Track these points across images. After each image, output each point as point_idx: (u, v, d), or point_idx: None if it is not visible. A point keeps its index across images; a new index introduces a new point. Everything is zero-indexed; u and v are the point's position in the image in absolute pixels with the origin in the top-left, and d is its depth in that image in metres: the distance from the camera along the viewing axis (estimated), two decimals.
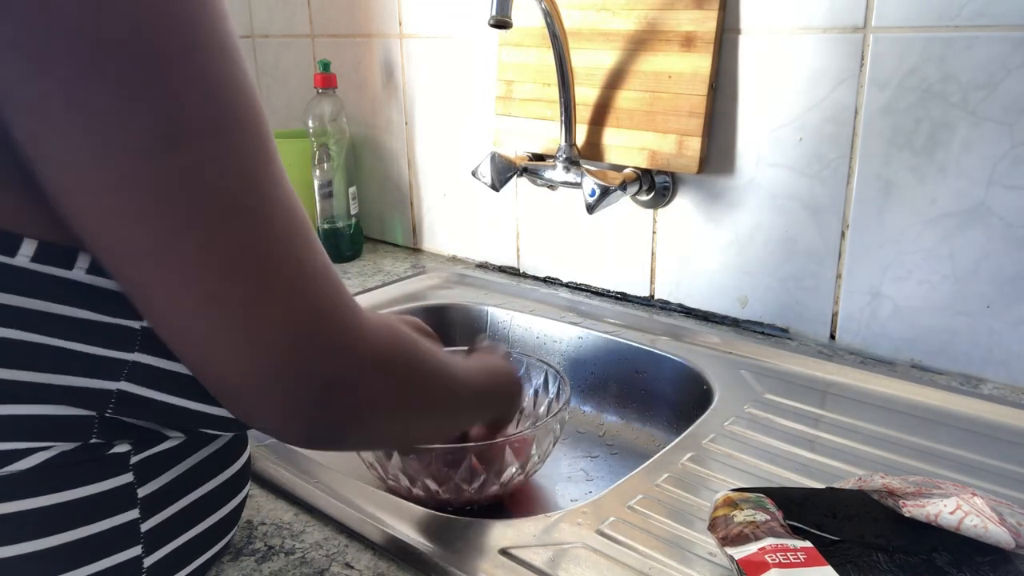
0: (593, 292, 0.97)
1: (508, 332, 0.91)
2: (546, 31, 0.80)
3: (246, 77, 0.35)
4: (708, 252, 0.85)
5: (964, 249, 0.69)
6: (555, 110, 0.86)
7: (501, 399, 0.61)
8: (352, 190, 1.14)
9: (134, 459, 0.39)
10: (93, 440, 0.38)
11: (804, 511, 0.47)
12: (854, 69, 0.71)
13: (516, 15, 0.72)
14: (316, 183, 1.11)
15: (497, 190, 0.90)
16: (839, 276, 0.77)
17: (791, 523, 0.46)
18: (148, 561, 0.40)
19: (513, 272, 1.06)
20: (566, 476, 0.73)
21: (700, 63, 0.78)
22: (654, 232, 0.89)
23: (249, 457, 0.49)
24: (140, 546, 0.40)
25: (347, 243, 1.14)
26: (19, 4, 0.29)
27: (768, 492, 0.48)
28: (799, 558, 0.41)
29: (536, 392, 0.73)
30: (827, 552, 0.42)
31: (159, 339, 0.37)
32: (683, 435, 0.63)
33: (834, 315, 0.78)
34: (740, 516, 0.45)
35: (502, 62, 0.96)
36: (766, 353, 0.77)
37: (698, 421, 0.65)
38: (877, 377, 0.71)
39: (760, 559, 0.41)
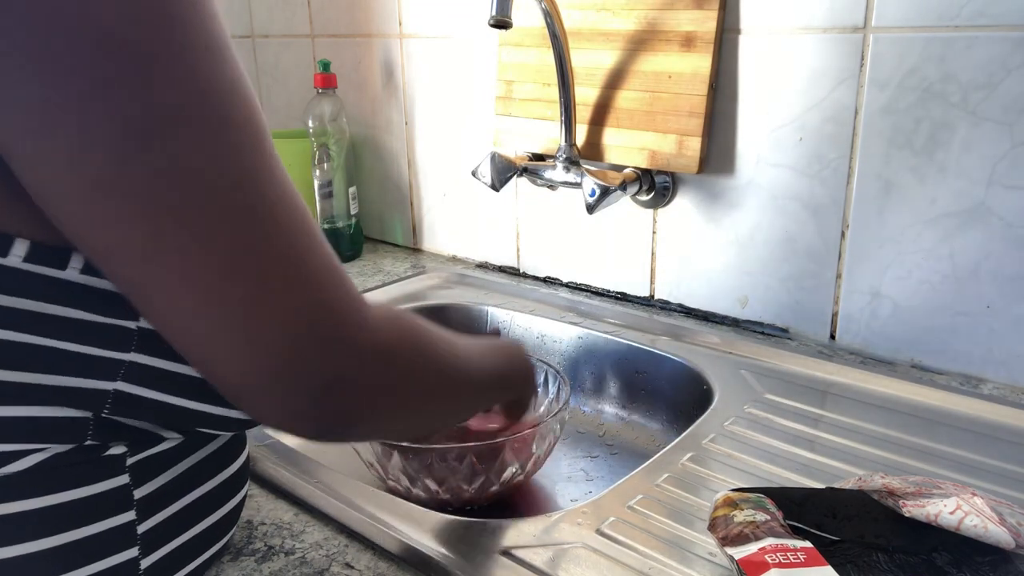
0: (593, 292, 0.97)
1: (508, 332, 0.91)
2: (546, 31, 0.80)
3: (235, 73, 0.34)
4: (708, 252, 0.85)
5: (964, 249, 0.69)
6: (555, 110, 0.86)
7: (515, 379, 0.59)
8: (352, 190, 1.14)
9: (130, 461, 0.39)
10: (88, 442, 0.37)
11: (804, 511, 0.47)
12: (854, 69, 0.71)
13: (516, 15, 0.72)
14: (316, 183, 1.11)
15: (497, 190, 0.90)
16: (839, 276, 0.77)
17: (791, 523, 0.46)
18: (145, 563, 0.40)
19: (513, 272, 1.06)
20: (566, 476, 0.73)
21: (700, 63, 0.78)
22: (654, 232, 0.89)
23: (248, 457, 0.49)
24: (136, 548, 0.40)
25: (347, 243, 1.14)
26: None
27: (768, 492, 0.48)
28: (799, 558, 0.41)
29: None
30: (827, 552, 0.42)
31: (156, 339, 0.37)
32: (683, 435, 0.63)
33: (834, 315, 0.78)
34: (740, 516, 0.45)
35: (502, 62, 0.96)
36: (766, 353, 0.77)
37: (698, 421, 0.65)
38: (877, 377, 0.71)
39: (760, 559, 0.41)
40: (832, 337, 0.79)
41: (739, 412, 0.66)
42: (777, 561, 0.40)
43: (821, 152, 0.75)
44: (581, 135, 0.88)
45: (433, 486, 0.60)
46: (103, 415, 0.37)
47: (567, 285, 1.00)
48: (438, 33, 1.04)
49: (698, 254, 0.86)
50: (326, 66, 1.09)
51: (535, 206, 1.00)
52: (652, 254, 0.90)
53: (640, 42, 0.82)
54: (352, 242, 1.15)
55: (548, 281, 1.02)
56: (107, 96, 0.30)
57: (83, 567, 0.38)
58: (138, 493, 0.39)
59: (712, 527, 0.46)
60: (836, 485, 0.51)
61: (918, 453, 0.59)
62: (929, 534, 0.45)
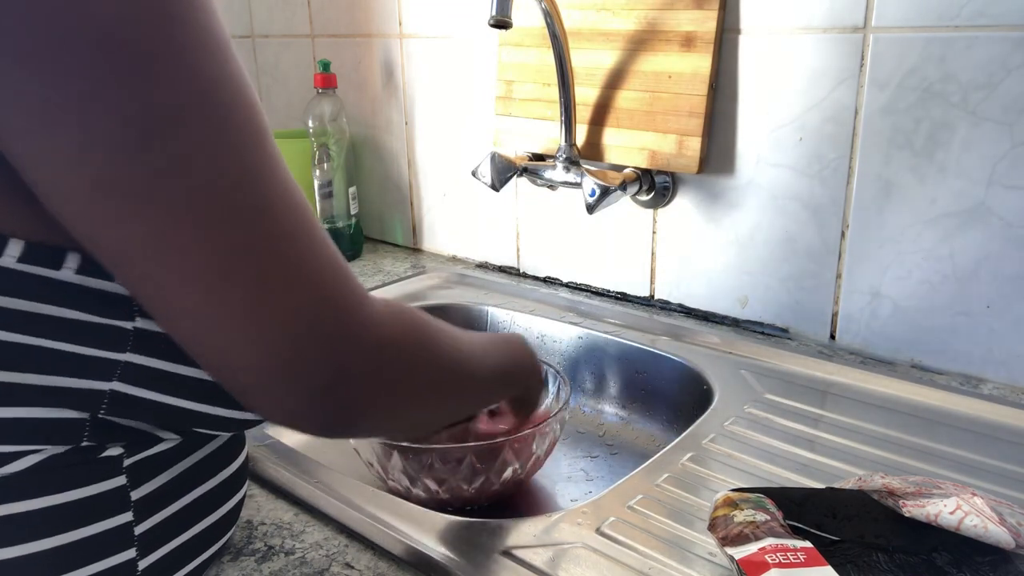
0: (593, 292, 0.97)
1: (508, 332, 0.91)
2: (546, 31, 0.80)
3: (235, 72, 0.34)
4: (708, 252, 0.85)
5: (964, 249, 0.69)
6: (555, 110, 0.86)
7: (520, 374, 0.59)
8: (352, 190, 1.14)
9: (127, 462, 0.39)
10: (85, 443, 0.37)
11: (804, 511, 0.47)
12: (854, 69, 0.71)
13: (516, 15, 0.72)
14: (316, 183, 1.11)
15: (497, 190, 0.90)
16: (839, 276, 0.77)
17: (791, 523, 0.46)
18: (143, 564, 0.40)
19: (513, 272, 1.06)
20: (566, 476, 0.73)
21: (700, 63, 0.78)
22: (654, 232, 0.89)
23: (247, 458, 0.49)
24: (134, 549, 0.40)
25: (347, 243, 1.14)
26: None
27: (768, 492, 0.48)
28: (799, 558, 0.41)
29: None
30: (827, 552, 0.42)
31: (153, 339, 0.37)
32: (683, 435, 0.63)
33: (834, 315, 0.78)
34: (740, 516, 0.45)
35: (502, 62, 0.96)
36: (766, 353, 0.77)
37: (698, 421, 0.65)
38: (877, 377, 0.71)
39: (760, 559, 0.41)
40: (832, 337, 0.79)
41: (739, 412, 0.66)
42: (777, 561, 0.40)
43: (821, 152, 0.75)
44: (581, 135, 0.88)
45: (433, 486, 0.60)
46: (100, 416, 0.37)
47: (567, 285, 1.00)
48: (438, 33, 1.04)
49: (698, 254, 0.86)
50: (326, 66, 1.09)
51: (535, 206, 1.00)
52: (652, 254, 0.90)
53: (640, 42, 0.82)
54: (352, 242, 1.15)
55: (548, 281, 1.02)
56: (107, 96, 0.30)
57: (80, 568, 0.38)
58: (135, 494, 0.39)
59: (712, 527, 0.46)
60: (836, 485, 0.51)
61: (918, 453, 0.59)
62: (929, 534, 0.45)
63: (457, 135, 1.07)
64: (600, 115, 0.86)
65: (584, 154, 0.88)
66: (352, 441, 0.64)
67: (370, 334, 0.39)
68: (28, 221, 0.34)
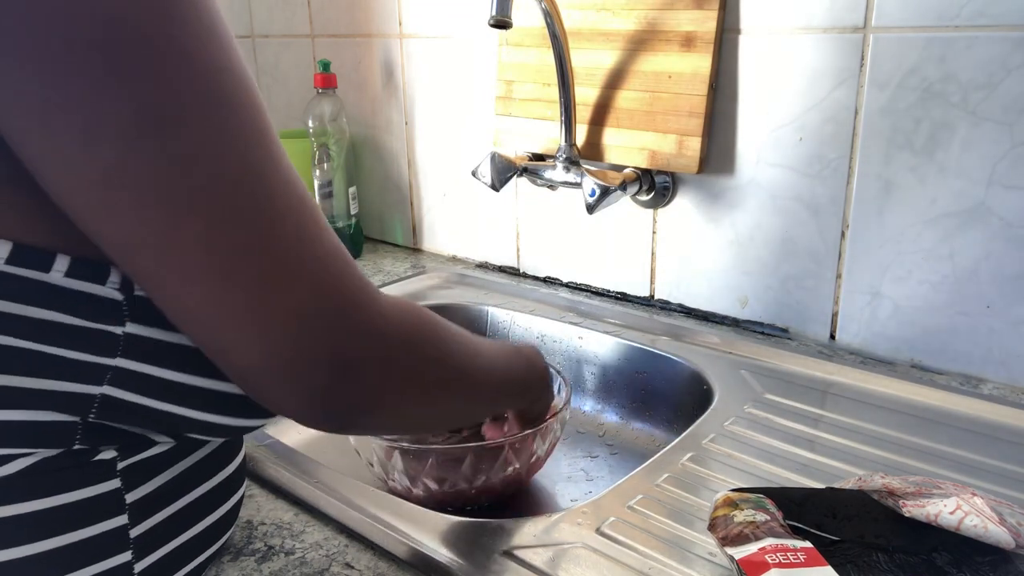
0: (593, 292, 0.97)
1: (508, 332, 0.91)
2: (546, 31, 0.80)
3: (237, 68, 0.34)
4: (708, 252, 0.85)
5: (964, 249, 0.69)
6: (555, 110, 0.86)
7: (533, 386, 0.59)
8: (352, 190, 1.14)
9: (121, 465, 0.39)
10: (77, 446, 0.37)
11: (804, 511, 0.47)
12: (854, 69, 0.71)
13: (516, 15, 0.72)
14: (316, 183, 1.11)
15: (497, 190, 0.90)
16: (839, 276, 0.77)
17: (791, 523, 0.46)
18: (139, 566, 0.40)
19: (513, 272, 1.06)
20: (566, 476, 0.73)
21: (700, 63, 0.78)
22: (654, 232, 0.89)
23: (244, 460, 0.49)
24: (130, 552, 0.40)
25: (347, 243, 1.14)
26: None
27: (768, 492, 0.48)
28: (799, 558, 0.41)
29: None
30: (827, 552, 0.42)
31: (143, 344, 0.37)
32: (683, 435, 0.63)
33: (834, 315, 0.78)
34: (740, 516, 0.45)
35: (502, 62, 0.96)
36: (766, 353, 0.77)
37: (698, 421, 0.65)
38: (877, 377, 0.71)
39: (760, 559, 0.41)
40: (832, 337, 0.79)
41: (739, 412, 0.66)
42: (777, 561, 0.40)
43: (821, 152, 0.75)
44: (581, 135, 0.88)
45: (433, 486, 0.60)
46: (90, 419, 0.37)
47: (567, 285, 1.00)
48: (438, 33, 1.04)
49: (698, 254, 0.86)
50: (326, 66, 1.09)
51: (535, 206, 1.00)
52: (652, 254, 0.90)
53: (640, 42, 0.82)
54: (352, 242, 1.15)
55: (548, 281, 1.02)
56: (108, 95, 0.30)
57: (75, 571, 0.38)
58: (130, 497, 0.39)
59: (712, 527, 0.46)
60: (836, 485, 0.51)
61: (918, 453, 0.59)
62: (929, 534, 0.45)
63: (457, 135, 1.07)
64: (600, 115, 0.86)
65: (584, 154, 0.88)
66: (352, 441, 0.64)
67: (377, 329, 0.39)
68: (16, 223, 0.33)
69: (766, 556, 0.41)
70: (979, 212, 0.68)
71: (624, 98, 0.84)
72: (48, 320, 0.34)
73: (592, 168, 0.84)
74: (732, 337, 0.81)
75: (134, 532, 0.40)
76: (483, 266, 1.09)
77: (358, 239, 1.16)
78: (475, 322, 0.93)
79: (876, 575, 0.43)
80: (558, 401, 0.68)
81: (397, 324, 0.40)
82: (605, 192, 0.81)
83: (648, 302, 0.92)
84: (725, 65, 0.79)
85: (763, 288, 0.82)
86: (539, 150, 0.93)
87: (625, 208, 0.90)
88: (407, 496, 0.60)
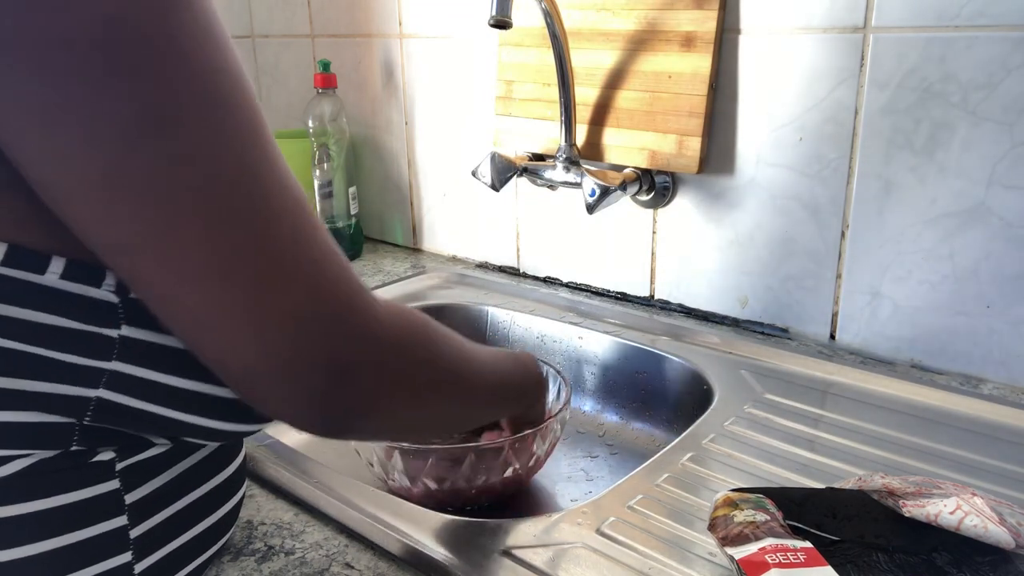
0: (593, 292, 0.97)
1: (508, 332, 0.91)
2: (546, 31, 0.80)
3: (233, 69, 0.34)
4: (708, 252, 0.85)
5: (964, 249, 0.69)
6: (555, 110, 0.86)
7: (525, 391, 0.59)
8: (352, 190, 1.14)
9: (120, 466, 0.39)
10: (74, 447, 0.37)
11: (804, 511, 0.47)
12: (854, 69, 0.71)
13: (516, 15, 0.72)
14: (316, 183, 1.11)
15: (497, 190, 0.90)
16: (839, 276, 0.77)
17: (791, 523, 0.46)
18: (139, 567, 0.40)
19: (513, 272, 1.06)
20: (566, 476, 0.73)
21: (700, 63, 0.78)
22: (654, 232, 0.89)
23: (244, 460, 0.49)
24: (130, 552, 0.39)
25: (347, 243, 1.14)
26: None
27: (768, 492, 0.48)
28: (799, 558, 0.41)
29: None
30: (827, 552, 0.42)
31: (139, 348, 0.37)
32: (683, 435, 0.63)
33: (834, 315, 0.78)
34: (740, 516, 0.45)
35: (502, 62, 0.96)
36: (766, 353, 0.77)
37: (698, 421, 0.65)
38: (877, 377, 0.71)
39: (760, 559, 0.41)
40: (832, 337, 0.79)
41: (739, 412, 0.66)
42: (777, 561, 0.40)
43: (821, 152, 0.75)
44: (581, 135, 0.88)
45: (433, 486, 0.60)
46: (86, 422, 0.37)
47: (567, 285, 1.00)
48: (438, 33, 1.04)
49: (698, 254, 0.86)
50: (326, 66, 1.09)
51: (535, 206, 1.00)
52: (652, 254, 0.90)
53: (640, 42, 0.82)
54: (352, 242, 1.15)
55: (548, 281, 1.02)
56: (107, 95, 0.30)
57: (75, 571, 0.38)
58: (129, 498, 0.39)
59: (712, 527, 0.46)
60: (836, 485, 0.51)
61: (918, 453, 0.59)
62: (929, 534, 0.45)
63: (457, 135, 1.07)
64: (600, 115, 0.86)
65: (584, 154, 0.88)
66: (352, 441, 0.64)
67: (372, 333, 0.38)
68: (11, 224, 0.33)
69: (766, 556, 0.41)
70: (979, 212, 0.68)
71: (624, 98, 0.84)
72: (43, 323, 0.34)
73: (592, 168, 0.84)
74: (732, 337, 0.81)
75: (134, 533, 0.39)
76: (483, 266, 1.09)
77: (358, 239, 1.16)
78: (475, 322, 0.93)
79: (876, 575, 0.43)
80: (558, 402, 0.68)
81: (392, 328, 0.40)
82: (605, 192, 0.81)
83: (648, 302, 0.92)
84: (725, 65, 0.79)
85: (763, 288, 0.82)
86: (539, 150, 0.93)
87: (625, 208, 0.90)
88: (407, 496, 0.60)
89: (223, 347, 0.35)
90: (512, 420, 0.63)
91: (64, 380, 0.35)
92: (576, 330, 0.85)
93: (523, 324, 0.90)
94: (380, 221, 1.23)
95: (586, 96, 0.87)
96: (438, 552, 0.49)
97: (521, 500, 0.68)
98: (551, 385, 0.71)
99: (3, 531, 0.36)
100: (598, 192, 0.81)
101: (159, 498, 0.41)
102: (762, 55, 0.76)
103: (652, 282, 0.91)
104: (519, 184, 1.00)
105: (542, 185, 0.90)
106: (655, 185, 0.85)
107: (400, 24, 1.08)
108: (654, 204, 0.87)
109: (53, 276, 0.34)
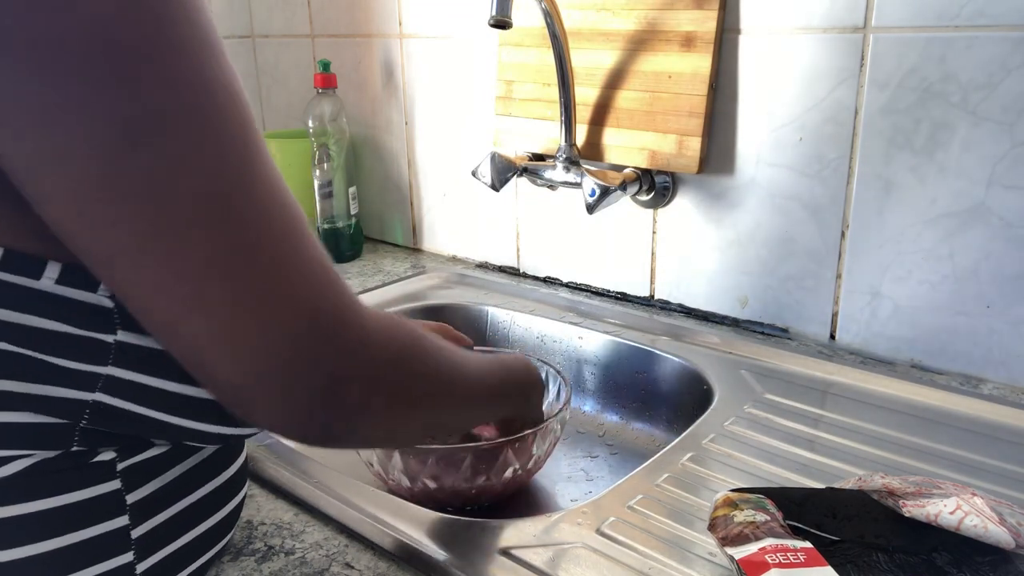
0: (593, 292, 0.97)
1: (508, 332, 0.91)
2: (546, 31, 0.80)
3: (225, 74, 0.33)
4: (708, 252, 0.85)
5: (964, 249, 0.69)
6: (555, 110, 0.86)
7: (516, 396, 0.59)
8: (352, 190, 1.14)
9: (120, 466, 0.39)
10: (75, 448, 0.37)
11: (804, 511, 0.47)
12: (854, 69, 0.71)
13: (516, 15, 0.72)
14: (316, 183, 1.11)
15: (497, 190, 0.90)
16: (839, 276, 0.77)
17: (791, 523, 0.46)
18: (140, 567, 0.40)
19: (513, 272, 1.06)
20: (566, 476, 0.73)
21: (700, 63, 0.78)
22: (654, 232, 0.89)
23: (246, 461, 0.49)
24: (131, 552, 0.39)
25: (347, 243, 1.14)
26: None
27: (768, 492, 0.48)
28: (799, 558, 0.41)
29: None
30: (827, 552, 0.42)
31: (135, 353, 0.36)
32: (683, 435, 0.63)
33: (834, 315, 0.78)
34: (740, 516, 0.45)
35: (502, 62, 0.96)
36: (766, 353, 0.77)
37: (698, 421, 0.65)
38: (877, 377, 0.71)
39: (760, 559, 0.41)
40: (832, 337, 0.79)
41: (739, 412, 0.66)
42: (777, 561, 0.40)
43: (821, 152, 0.75)
44: (581, 135, 0.88)
45: (433, 486, 0.60)
46: (82, 425, 0.37)
47: (567, 285, 1.00)
48: (438, 33, 1.04)
49: (698, 254, 0.86)
50: (326, 66, 1.09)
51: (535, 206, 1.00)
52: (652, 254, 0.90)
53: (640, 42, 0.82)
54: (352, 242, 1.15)
55: (548, 281, 1.02)
56: (96, 98, 0.30)
57: (77, 571, 0.38)
58: (131, 498, 0.39)
59: (712, 527, 0.46)
60: (836, 485, 0.51)
61: (918, 453, 0.59)
62: (929, 534, 0.45)
63: (457, 135, 1.07)
64: (600, 115, 0.86)
65: (584, 154, 0.88)
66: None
67: (360, 342, 0.38)
68: (7, 229, 0.33)
69: (766, 556, 0.41)
70: (979, 212, 0.68)
71: (624, 98, 0.84)
72: (39, 327, 0.34)
73: (592, 168, 0.84)
74: (732, 337, 0.81)
75: (135, 533, 0.40)
76: (483, 266, 1.09)
77: (358, 239, 1.16)
78: (475, 322, 0.93)
79: (876, 575, 0.43)
80: (558, 402, 0.68)
81: (382, 340, 0.39)
82: (605, 192, 0.81)
83: (648, 302, 0.92)
84: (725, 65, 0.79)
85: (763, 288, 0.82)
86: (539, 150, 0.93)
87: (625, 208, 0.90)
88: (407, 496, 0.60)
89: (214, 356, 0.34)
90: (502, 421, 0.63)
91: (60, 384, 0.35)
92: (576, 330, 0.85)
93: (523, 324, 0.90)
94: (380, 221, 1.23)
95: (586, 96, 0.87)
96: (438, 552, 0.49)
97: (521, 500, 0.68)
98: (551, 385, 0.71)
99: (4, 531, 0.36)
100: (598, 192, 0.81)
101: (161, 498, 0.41)
102: (762, 55, 0.76)
103: (652, 282, 0.91)
104: (519, 184, 1.00)
105: (542, 185, 0.90)
106: (655, 185, 0.85)
107: (400, 24, 1.08)
108: (654, 204, 0.87)
109: (49, 281, 0.34)
